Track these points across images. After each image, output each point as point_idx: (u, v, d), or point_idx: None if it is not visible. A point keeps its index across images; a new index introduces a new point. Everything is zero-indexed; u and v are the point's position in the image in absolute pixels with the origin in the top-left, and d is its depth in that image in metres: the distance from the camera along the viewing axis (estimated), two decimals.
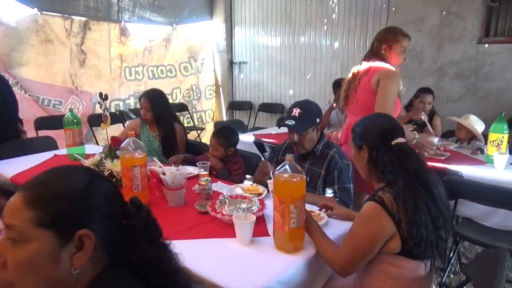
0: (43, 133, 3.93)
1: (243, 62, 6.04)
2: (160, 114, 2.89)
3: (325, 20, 5.13)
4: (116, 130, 4.79)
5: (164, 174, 1.90)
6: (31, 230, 0.68)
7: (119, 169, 2.05)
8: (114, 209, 0.77)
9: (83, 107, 4.65)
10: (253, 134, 3.63)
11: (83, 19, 4.55)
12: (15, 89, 3.99)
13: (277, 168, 1.46)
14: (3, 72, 4.07)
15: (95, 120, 4.50)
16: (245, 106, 6.01)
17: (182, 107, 5.69)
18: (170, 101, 5.61)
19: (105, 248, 0.75)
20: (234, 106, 6.18)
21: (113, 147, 2.13)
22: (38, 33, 4.23)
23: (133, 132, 1.84)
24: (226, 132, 2.56)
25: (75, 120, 2.69)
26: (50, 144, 3.20)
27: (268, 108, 5.72)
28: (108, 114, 2.41)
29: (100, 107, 2.35)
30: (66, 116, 2.70)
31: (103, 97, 2.21)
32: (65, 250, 0.70)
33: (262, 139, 3.30)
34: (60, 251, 0.70)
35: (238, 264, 1.39)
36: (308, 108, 2.08)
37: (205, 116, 6.28)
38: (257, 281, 1.27)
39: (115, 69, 4.91)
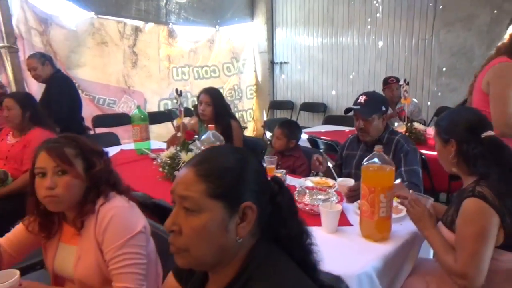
0: (99, 130, 4.12)
1: (284, 62, 6.11)
2: (218, 110, 2.96)
3: (369, 20, 5.13)
4: (165, 127, 4.97)
5: None
6: (205, 201, 0.76)
7: None
8: (263, 185, 0.84)
9: (135, 106, 4.83)
10: (304, 132, 3.68)
11: (135, 22, 4.74)
12: None
13: (366, 159, 1.51)
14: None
15: (150, 118, 4.67)
16: (286, 105, 6.08)
17: None
18: None
19: (258, 222, 0.82)
20: (275, 105, 6.26)
21: (187, 141, 2.24)
22: (94, 35, 4.44)
23: (213, 125, 1.93)
24: (290, 124, 2.66)
25: (142, 116, 2.83)
26: (114, 140, 3.38)
27: (311, 107, 5.76)
28: (182, 109, 2.52)
29: (176, 103, 2.46)
30: (133, 112, 2.85)
31: (179, 93, 2.33)
32: (232, 220, 0.78)
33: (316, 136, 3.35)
34: (228, 221, 0.77)
35: (330, 251, 1.43)
36: (373, 97, 2.15)
37: (246, 115, 6.39)
38: (354, 266, 1.32)
39: (164, 69, 5.09)
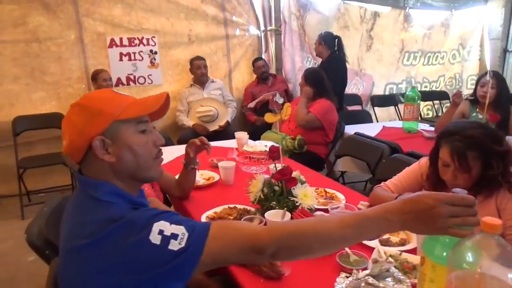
0: None
1: None
2: (502, 94, 2.80)
3: None
4: (386, 111, 5.09)
5: None
6: None
7: None
8: None
9: (363, 88, 5.07)
10: None
11: (375, 6, 4.90)
12: None
13: None
14: (308, 54, 4.81)
15: (377, 100, 4.88)
16: None
17: (443, 95, 5.56)
18: (433, 88, 5.60)
19: None
20: None
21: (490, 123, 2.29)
22: (339, 20, 4.79)
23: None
24: None
25: (416, 97, 2.96)
26: (368, 117, 3.66)
27: None
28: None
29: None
30: (408, 93, 3.01)
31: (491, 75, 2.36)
32: None
33: None
34: None
35: None
36: None
37: None
38: None
39: (395, 54, 5.17)
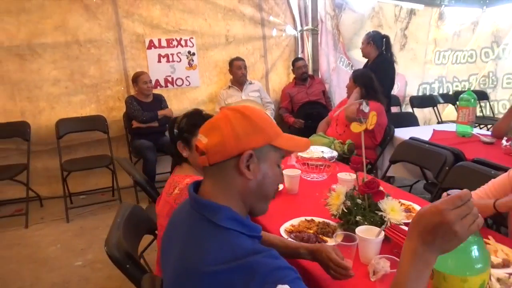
0: None
1: None
2: None
3: None
4: (421, 112, 4.97)
5: None
6: None
7: None
8: None
9: (398, 88, 4.97)
10: None
11: (411, 4, 4.79)
12: (348, 70, 4.60)
13: None
14: (341, 54, 4.74)
15: (415, 101, 4.78)
16: None
17: (482, 95, 5.40)
18: (466, 88, 5.46)
19: None
20: None
21: None
22: (373, 19, 4.69)
23: None
24: None
25: (472, 100, 2.86)
26: (414, 120, 3.57)
27: None
28: None
29: None
30: (463, 95, 2.91)
31: None
32: None
33: None
34: None
35: None
36: None
37: (497, 106, 5.84)
38: None
39: (429, 53, 5.06)
